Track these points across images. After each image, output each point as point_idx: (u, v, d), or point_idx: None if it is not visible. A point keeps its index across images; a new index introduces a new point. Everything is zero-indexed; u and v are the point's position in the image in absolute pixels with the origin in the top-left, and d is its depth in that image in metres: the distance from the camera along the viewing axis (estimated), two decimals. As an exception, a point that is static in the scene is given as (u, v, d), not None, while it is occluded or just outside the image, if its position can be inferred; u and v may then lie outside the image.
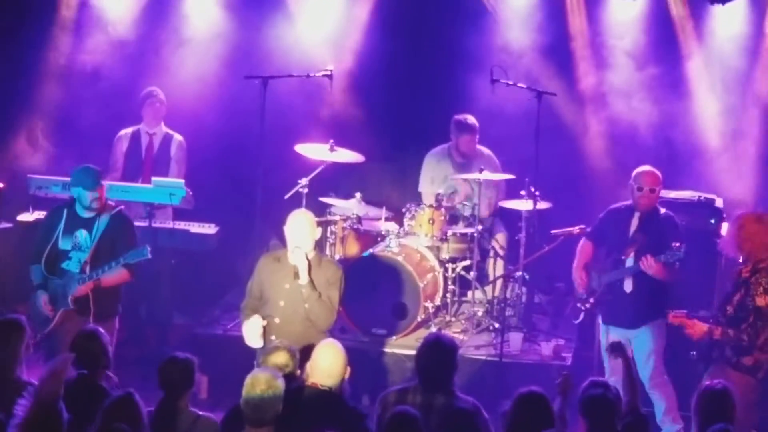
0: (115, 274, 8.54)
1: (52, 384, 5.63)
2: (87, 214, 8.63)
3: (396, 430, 6.12)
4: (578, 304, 9.06)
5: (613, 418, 6.39)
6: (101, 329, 7.12)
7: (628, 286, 8.76)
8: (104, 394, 6.54)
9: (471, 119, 10.85)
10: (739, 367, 7.92)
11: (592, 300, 8.93)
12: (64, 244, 8.62)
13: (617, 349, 7.23)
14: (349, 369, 6.97)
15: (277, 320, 7.94)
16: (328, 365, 6.86)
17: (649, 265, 8.51)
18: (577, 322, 9.16)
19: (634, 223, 8.81)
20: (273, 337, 7.77)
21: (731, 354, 7.94)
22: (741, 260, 8.14)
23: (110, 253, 8.54)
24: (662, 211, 8.87)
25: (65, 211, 8.68)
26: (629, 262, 8.74)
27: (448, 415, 6.37)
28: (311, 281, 7.91)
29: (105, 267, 8.48)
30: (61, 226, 8.64)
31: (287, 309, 7.94)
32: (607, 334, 8.88)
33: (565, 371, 6.88)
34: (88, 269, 8.50)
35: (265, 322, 7.91)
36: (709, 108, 11.22)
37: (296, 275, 7.93)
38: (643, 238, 8.69)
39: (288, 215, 8.10)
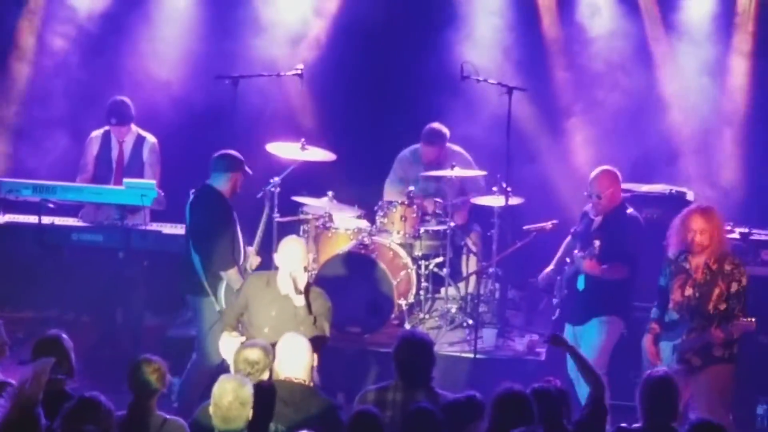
0: None
1: (33, 387, 5.59)
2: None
3: (358, 429, 6.13)
4: (553, 300, 9.05)
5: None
6: (63, 335, 7.05)
7: (580, 283, 8.68)
8: (68, 399, 6.48)
9: (437, 130, 10.70)
10: (731, 359, 7.85)
11: (556, 297, 8.95)
12: None
13: (557, 341, 7.21)
14: (316, 356, 7.01)
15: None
16: (294, 356, 6.88)
17: (583, 263, 8.49)
18: (553, 318, 9.14)
19: (597, 221, 8.77)
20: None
21: (722, 351, 7.83)
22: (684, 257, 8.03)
23: None
24: (629, 211, 8.77)
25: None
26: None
27: (409, 414, 6.36)
28: (308, 305, 7.81)
29: None
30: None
31: (272, 335, 7.63)
32: (573, 332, 8.85)
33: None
34: None
35: (243, 339, 7.80)
36: (682, 100, 11.21)
37: (296, 291, 7.76)
38: (599, 237, 8.58)
39: (280, 241, 8.07)
